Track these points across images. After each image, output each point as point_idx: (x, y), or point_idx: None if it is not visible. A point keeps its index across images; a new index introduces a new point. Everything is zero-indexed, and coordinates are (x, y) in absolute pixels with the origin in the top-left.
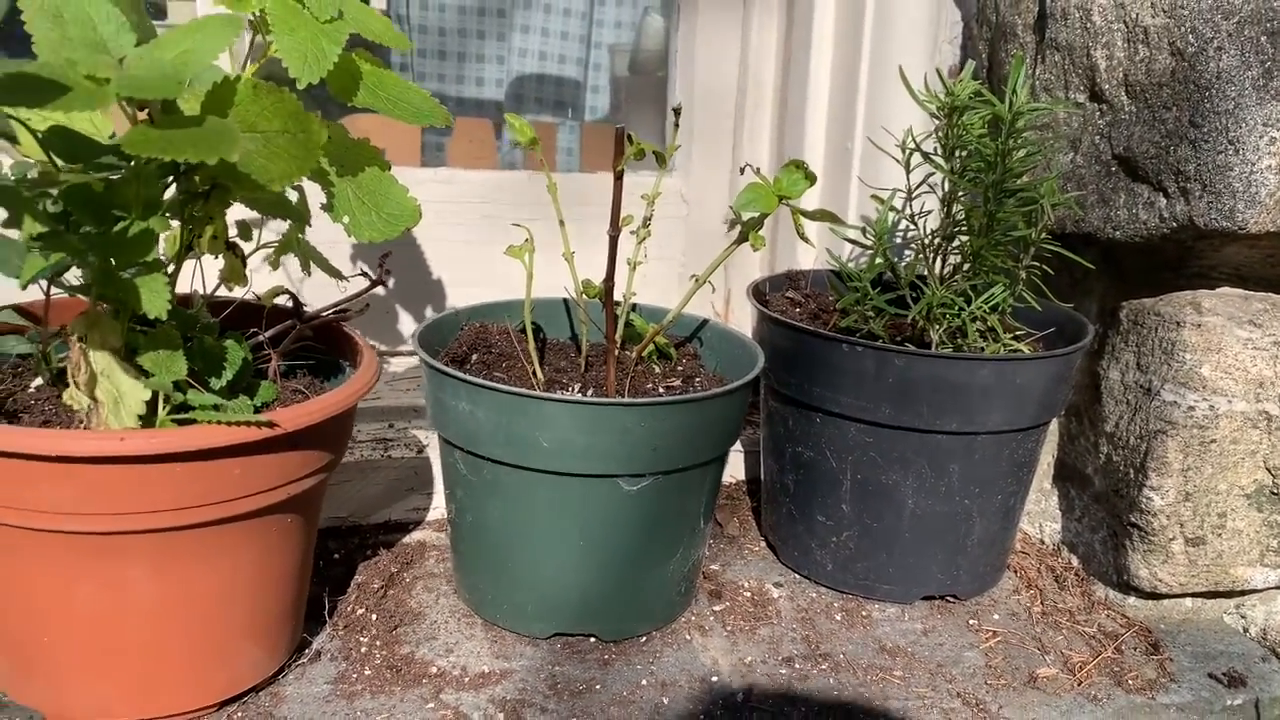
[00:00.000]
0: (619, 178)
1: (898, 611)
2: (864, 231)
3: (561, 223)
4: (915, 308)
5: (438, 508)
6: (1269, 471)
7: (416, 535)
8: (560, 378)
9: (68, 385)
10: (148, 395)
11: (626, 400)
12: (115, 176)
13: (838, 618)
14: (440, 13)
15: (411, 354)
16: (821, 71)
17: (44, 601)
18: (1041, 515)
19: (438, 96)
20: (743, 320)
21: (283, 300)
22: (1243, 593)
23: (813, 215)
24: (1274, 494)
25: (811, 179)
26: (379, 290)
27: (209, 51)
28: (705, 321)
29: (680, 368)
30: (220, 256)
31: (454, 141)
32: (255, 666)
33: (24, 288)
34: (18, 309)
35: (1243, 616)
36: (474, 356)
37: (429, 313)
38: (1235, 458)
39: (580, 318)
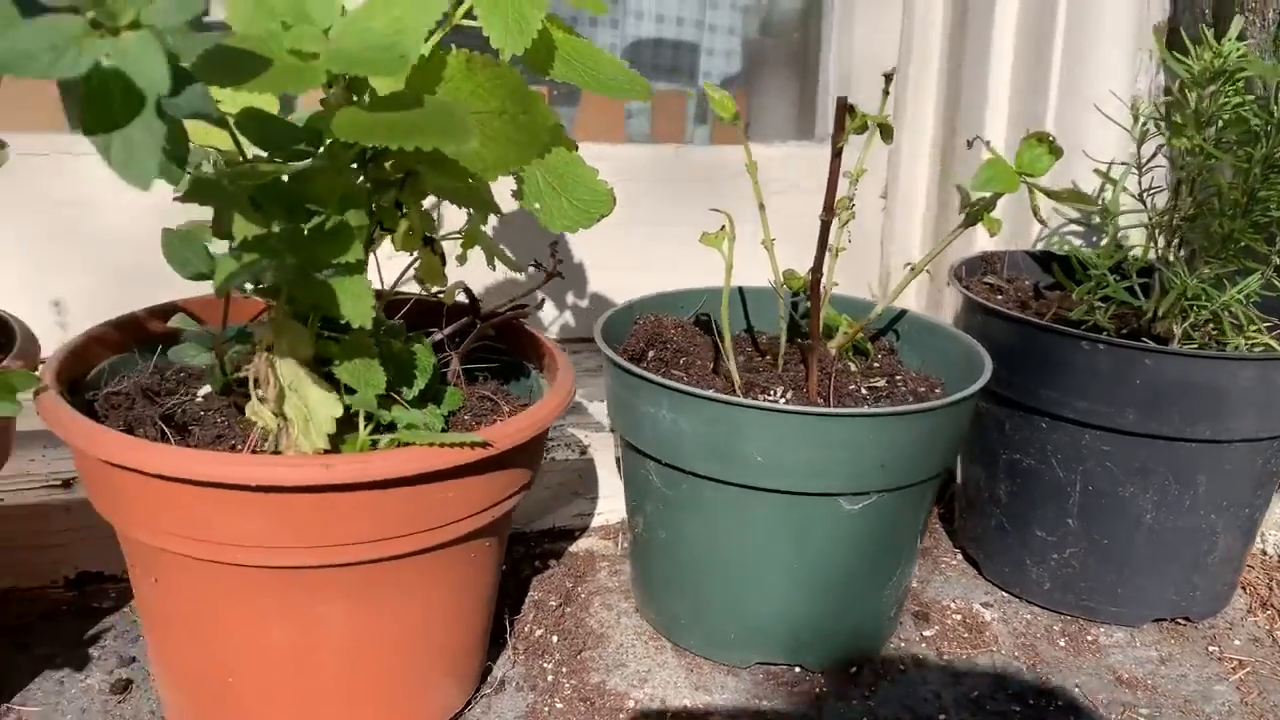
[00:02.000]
0: (838, 155)
1: (1126, 636)
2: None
3: (761, 206)
4: (1167, 298)
5: (602, 513)
6: None
7: (583, 544)
8: (756, 379)
9: (243, 395)
10: (339, 412)
11: (862, 411)
12: (306, 165)
13: (1061, 643)
14: None
15: (564, 342)
16: (1006, 28)
17: (231, 640)
18: (1264, 524)
19: None
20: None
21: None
22: None
23: (1058, 195)
24: None
25: (1057, 153)
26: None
27: (421, 20)
28: (903, 313)
29: (877, 365)
30: (415, 253)
31: (580, 114)
32: (448, 702)
33: (220, 294)
34: (175, 307)
35: None
36: (650, 353)
37: (570, 299)
38: None
39: (780, 311)
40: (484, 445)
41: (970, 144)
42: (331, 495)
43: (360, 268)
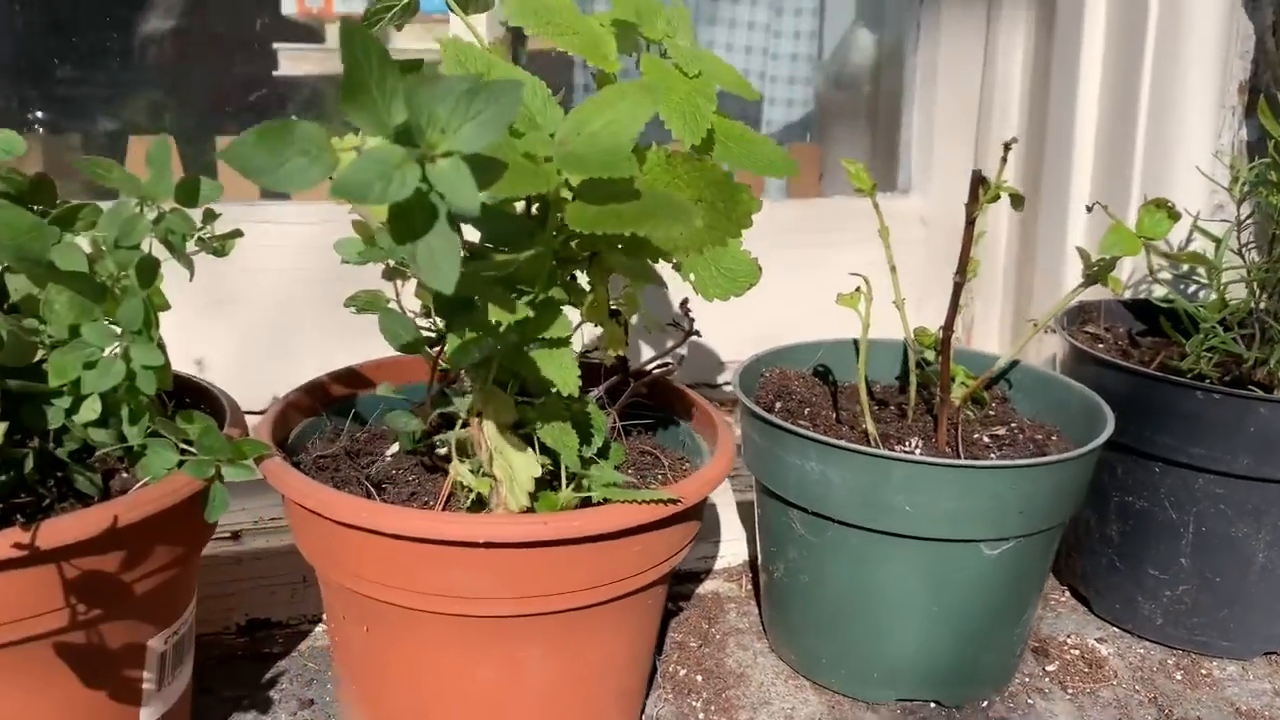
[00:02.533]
0: (971, 223)
1: (1238, 669)
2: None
3: (893, 269)
4: (1279, 350)
5: (724, 556)
6: None
7: (709, 586)
8: (887, 430)
9: (427, 454)
10: (538, 472)
11: (1007, 463)
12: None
13: (1177, 676)
14: None
15: None
16: (1090, 85)
17: (434, 684)
18: None
19: None
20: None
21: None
22: None
23: (1179, 257)
24: None
25: (1175, 218)
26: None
27: (634, 122)
28: (1015, 363)
29: (993, 413)
30: (598, 323)
31: None
32: None
33: (454, 371)
34: (353, 371)
35: None
36: (778, 404)
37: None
38: None
39: (910, 365)
40: (675, 502)
41: (1090, 209)
42: (545, 550)
43: (566, 341)
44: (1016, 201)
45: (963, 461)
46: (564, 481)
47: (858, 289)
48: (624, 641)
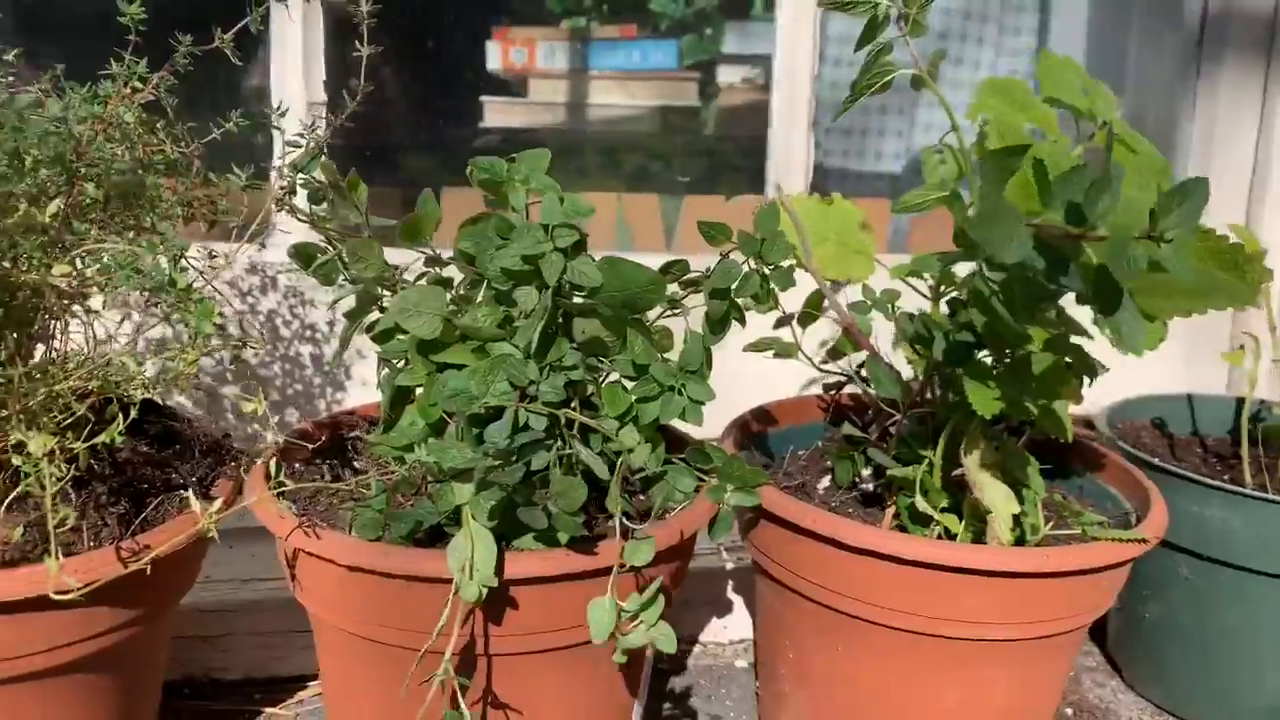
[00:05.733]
0: None
1: None
2: None
3: (1273, 328)
4: None
5: None
6: None
7: None
8: (1261, 481)
9: (855, 490)
10: (1017, 509)
11: None
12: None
13: None
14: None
15: None
16: None
17: (905, 699)
18: None
19: (840, 172)
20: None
21: None
22: None
23: None
24: None
25: None
26: None
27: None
28: None
29: None
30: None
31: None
32: None
33: (986, 417)
34: (763, 411)
35: None
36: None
37: None
38: None
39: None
40: (1145, 541)
41: None
42: (1042, 580)
43: (1061, 393)
44: None
45: None
46: (1041, 519)
47: (1241, 347)
48: (1063, 668)
